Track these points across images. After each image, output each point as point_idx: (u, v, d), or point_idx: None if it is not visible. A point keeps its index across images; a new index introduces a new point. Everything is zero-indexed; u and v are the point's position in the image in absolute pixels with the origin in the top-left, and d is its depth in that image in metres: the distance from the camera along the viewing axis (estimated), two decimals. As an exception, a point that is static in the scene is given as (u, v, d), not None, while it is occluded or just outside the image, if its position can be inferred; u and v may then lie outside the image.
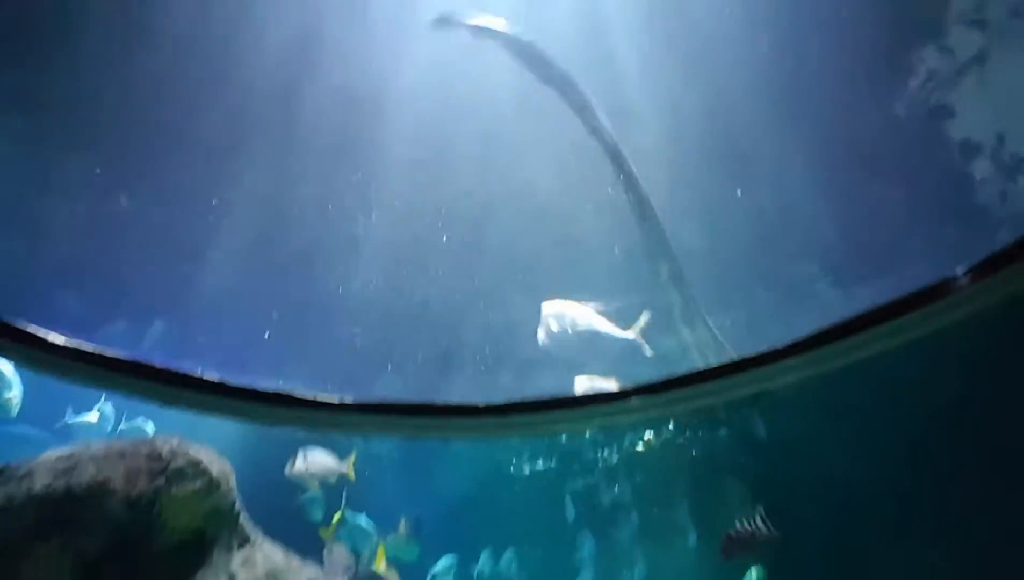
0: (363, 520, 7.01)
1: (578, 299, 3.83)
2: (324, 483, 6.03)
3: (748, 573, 7.56)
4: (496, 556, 9.00)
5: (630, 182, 4.09)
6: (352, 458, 6.14)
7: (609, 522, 9.40)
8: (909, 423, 7.16)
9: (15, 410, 5.58)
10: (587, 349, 3.78)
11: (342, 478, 6.12)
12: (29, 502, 3.40)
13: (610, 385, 3.73)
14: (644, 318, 3.52)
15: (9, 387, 5.58)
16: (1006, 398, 6.65)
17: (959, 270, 2.24)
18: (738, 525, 7.27)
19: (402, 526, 6.80)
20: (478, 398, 3.31)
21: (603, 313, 3.83)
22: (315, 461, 6.05)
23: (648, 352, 3.52)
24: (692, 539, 9.12)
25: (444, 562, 7.45)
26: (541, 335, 3.51)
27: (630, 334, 3.55)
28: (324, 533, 6.19)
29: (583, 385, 3.68)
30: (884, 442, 7.41)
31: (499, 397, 3.31)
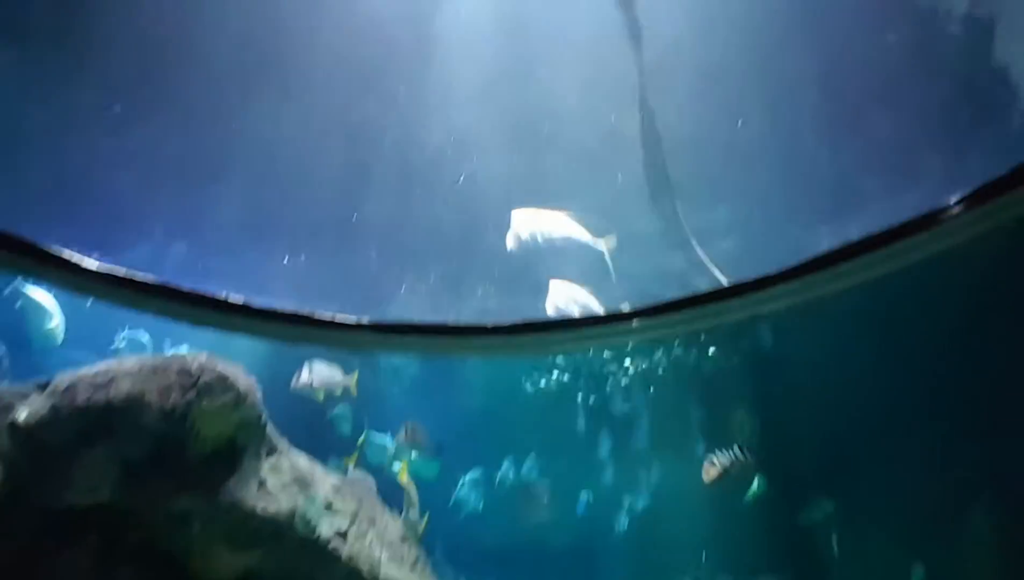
0: (386, 440, 7.39)
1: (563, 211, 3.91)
2: (329, 395, 6.31)
3: (754, 481, 7.95)
4: (518, 464, 9.44)
5: (644, 108, 4.09)
6: (356, 373, 6.41)
7: (623, 433, 9.79)
8: (908, 341, 7.31)
9: (60, 338, 5.82)
10: (556, 256, 3.87)
11: (347, 392, 6.41)
12: (74, 413, 3.67)
13: (584, 293, 3.85)
14: (610, 240, 3.59)
15: (50, 317, 5.81)
16: (1002, 320, 6.77)
17: (952, 199, 2.32)
18: (718, 454, 7.71)
19: (410, 432, 7.13)
20: (489, 318, 3.47)
21: (578, 220, 3.91)
22: (320, 374, 6.32)
23: (612, 273, 3.60)
24: (700, 449, 9.45)
25: (474, 473, 7.85)
26: (510, 242, 3.59)
27: (602, 245, 3.62)
28: (347, 461, 6.52)
29: (558, 290, 3.78)
30: (883, 360, 7.59)
31: (511, 316, 3.46)
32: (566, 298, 3.86)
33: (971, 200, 2.39)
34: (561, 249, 3.90)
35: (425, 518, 5.71)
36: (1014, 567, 7.00)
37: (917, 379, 7.39)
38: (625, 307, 3.04)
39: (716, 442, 9.31)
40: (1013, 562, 7.02)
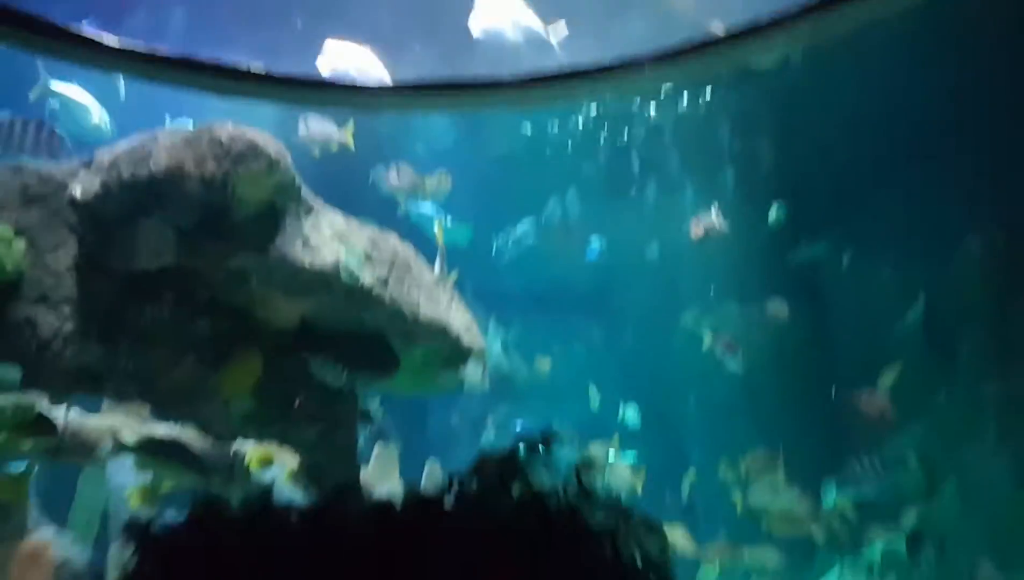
0: (426, 207, 7.78)
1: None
2: (325, 150, 6.49)
3: (772, 208, 8.37)
4: (539, 213, 9.85)
5: None
6: (350, 126, 6.55)
7: (643, 178, 10.06)
8: (919, 77, 7.20)
9: (108, 130, 5.83)
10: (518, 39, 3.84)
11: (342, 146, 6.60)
12: (123, 186, 3.95)
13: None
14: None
15: (89, 113, 5.77)
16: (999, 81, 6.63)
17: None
18: (700, 216, 8.18)
19: (438, 179, 7.49)
20: (503, 73, 3.51)
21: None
22: (316, 129, 6.46)
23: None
24: (719, 191, 9.68)
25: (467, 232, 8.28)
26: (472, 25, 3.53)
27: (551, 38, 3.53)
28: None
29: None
30: (893, 95, 7.53)
31: (522, 70, 3.50)
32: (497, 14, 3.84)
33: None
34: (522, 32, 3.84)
35: (454, 273, 6.21)
36: (1005, 290, 7.56)
37: (923, 114, 7.39)
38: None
39: (733, 184, 9.58)
40: (1004, 286, 7.57)
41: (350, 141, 6.57)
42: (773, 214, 8.43)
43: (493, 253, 9.70)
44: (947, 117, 7.25)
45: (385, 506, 0.59)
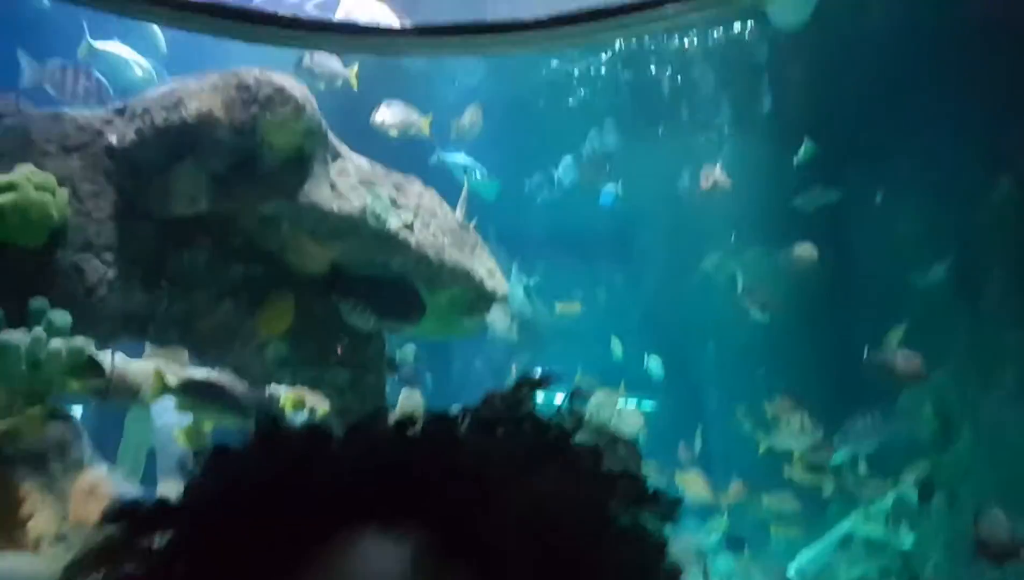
0: (460, 156, 7.84)
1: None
2: (330, 87, 6.53)
3: (802, 146, 8.32)
4: (557, 160, 9.82)
5: None
6: (356, 67, 6.58)
7: (665, 116, 9.99)
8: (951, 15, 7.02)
9: (155, 79, 5.85)
10: None
11: (347, 83, 6.64)
12: (156, 132, 4.04)
13: None
14: None
15: (129, 66, 5.82)
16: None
17: None
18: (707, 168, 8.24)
19: (470, 115, 7.58)
20: (523, 14, 3.52)
21: None
22: (320, 64, 6.49)
23: None
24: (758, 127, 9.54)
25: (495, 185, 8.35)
26: None
27: None
28: None
29: None
30: (925, 35, 7.34)
31: (542, 12, 3.50)
32: None
33: None
34: None
35: (473, 220, 6.26)
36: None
37: (954, 54, 7.19)
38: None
39: (760, 127, 9.44)
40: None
41: (354, 81, 6.63)
42: (802, 153, 8.36)
43: (524, 195, 9.72)
44: (978, 57, 7.05)
45: (406, 426, 0.70)
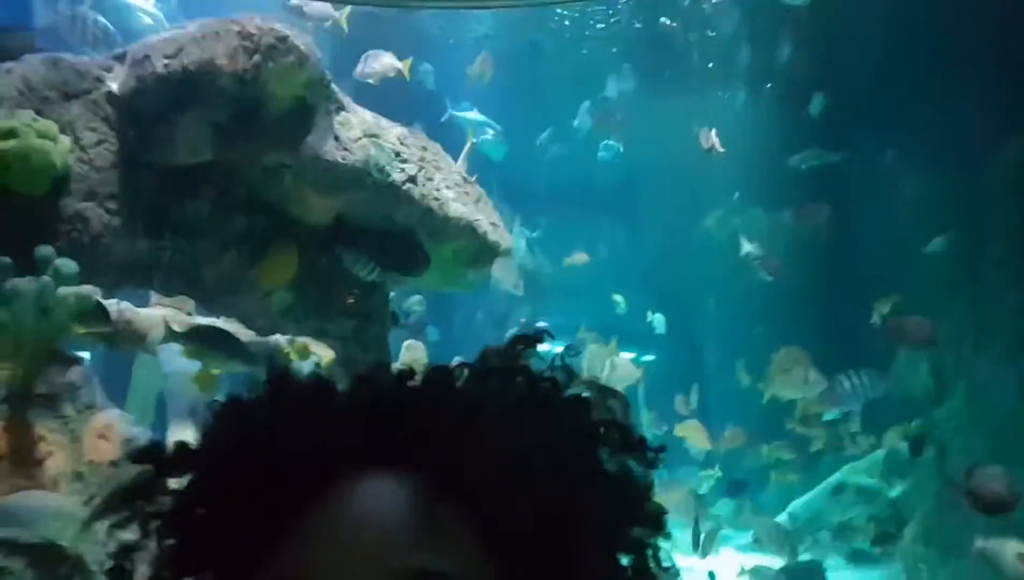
0: (473, 112, 7.80)
1: None
2: (318, 28, 6.53)
3: (814, 100, 8.31)
4: (561, 118, 9.73)
5: None
6: (347, 10, 6.63)
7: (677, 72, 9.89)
8: None
9: (166, 26, 5.81)
10: None
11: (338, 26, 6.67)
12: (158, 81, 4.00)
13: None
14: None
15: (136, 13, 5.74)
16: None
17: None
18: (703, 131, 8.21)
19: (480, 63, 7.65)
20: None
21: None
22: (308, 4, 6.44)
23: None
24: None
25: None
26: None
27: None
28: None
29: None
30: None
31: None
32: None
33: None
34: None
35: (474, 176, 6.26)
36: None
37: (960, 19, 7.06)
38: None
39: (768, 85, 9.30)
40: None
41: (344, 24, 6.78)
42: (814, 106, 8.35)
43: (532, 149, 9.70)
44: (989, 22, 6.91)
45: (407, 377, 0.76)
